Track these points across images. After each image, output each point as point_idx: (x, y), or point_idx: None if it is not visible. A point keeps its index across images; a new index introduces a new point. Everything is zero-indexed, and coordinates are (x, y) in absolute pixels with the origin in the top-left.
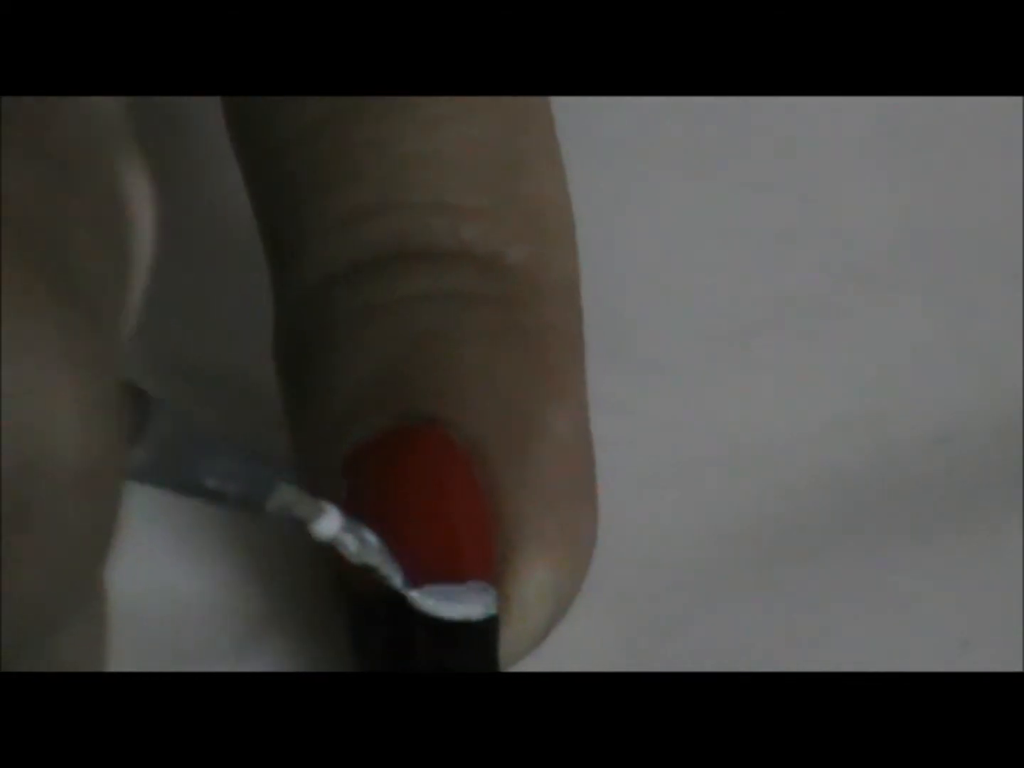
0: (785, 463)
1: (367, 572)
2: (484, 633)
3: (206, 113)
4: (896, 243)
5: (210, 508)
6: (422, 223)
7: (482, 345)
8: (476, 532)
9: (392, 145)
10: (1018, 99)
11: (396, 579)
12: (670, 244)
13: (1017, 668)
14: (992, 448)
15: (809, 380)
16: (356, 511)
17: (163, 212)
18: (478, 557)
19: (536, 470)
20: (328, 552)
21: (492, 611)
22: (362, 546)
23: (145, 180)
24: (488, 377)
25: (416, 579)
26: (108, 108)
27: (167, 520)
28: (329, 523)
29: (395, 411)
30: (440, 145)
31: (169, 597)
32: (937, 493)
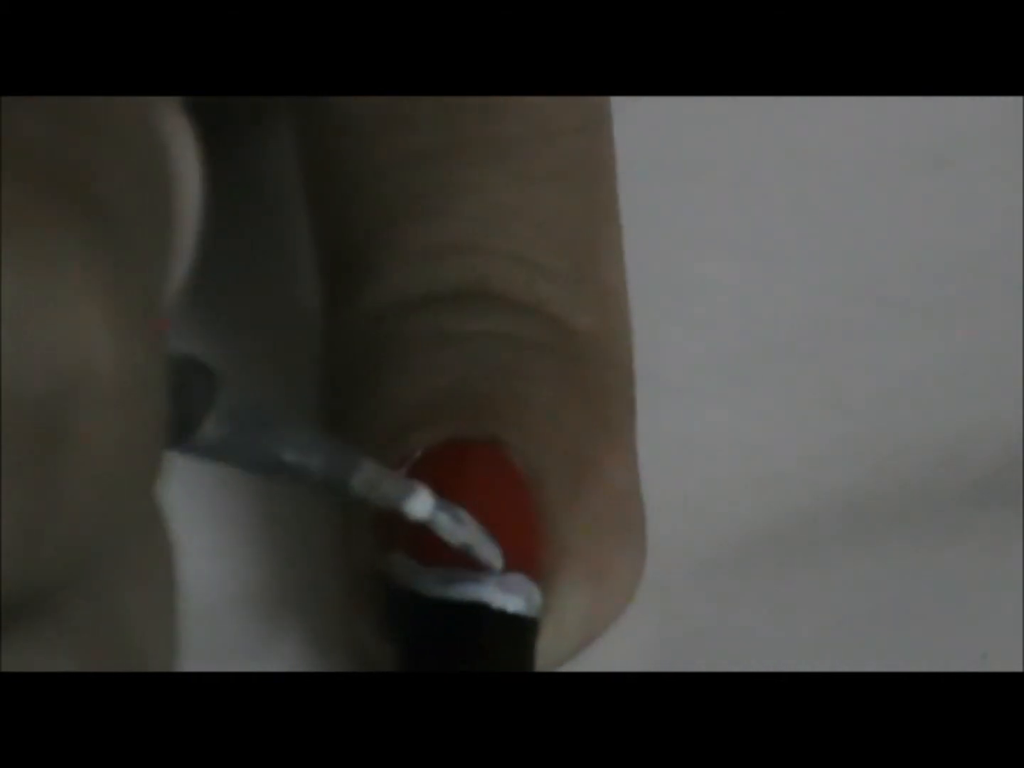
0: (798, 484)
1: (464, 552)
2: (526, 631)
3: None
4: (911, 265)
5: (229, 497)
6: (503, 271)
7: (549, 389)
8: (523, 546)
9: (489, 191)
10: None
11: (494, 558)
12: (683, 264)
13: None
14: (1004, 467)
15: (821, 401)
16: None
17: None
18: (523, 566)
19: (588, 506)
20: (361, 539)
21: (536, 611)
22: (457, 525)
23: (188, 135)
24: (552, 417)
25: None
26: None
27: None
28: (422, 502)
29: (458, 425)
30: (533, 202)
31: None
32: (949, 512)
